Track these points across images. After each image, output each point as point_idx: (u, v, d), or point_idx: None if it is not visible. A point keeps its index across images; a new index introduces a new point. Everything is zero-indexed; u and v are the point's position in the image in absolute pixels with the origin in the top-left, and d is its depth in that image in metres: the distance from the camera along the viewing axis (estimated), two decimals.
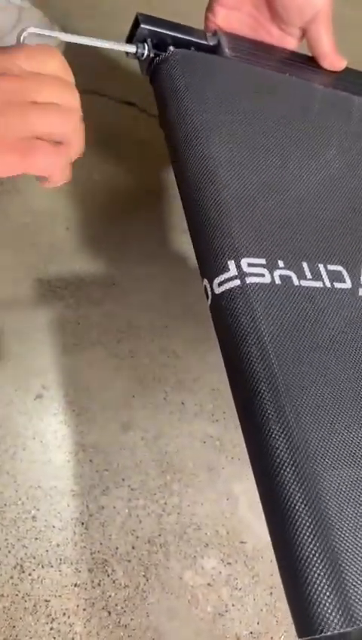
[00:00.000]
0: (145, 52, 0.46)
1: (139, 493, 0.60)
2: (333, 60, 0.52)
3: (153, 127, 0.88)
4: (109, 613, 0.54)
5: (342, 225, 0.43)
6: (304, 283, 0.38)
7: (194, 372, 0.68)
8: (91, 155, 0.82)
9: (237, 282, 0.36)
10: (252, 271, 0.37)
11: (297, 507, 0.31)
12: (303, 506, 0.31)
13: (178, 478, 0.62)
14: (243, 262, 0.37)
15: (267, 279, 0.37)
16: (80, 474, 0.59)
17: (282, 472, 0.32)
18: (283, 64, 0.52)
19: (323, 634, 0.28)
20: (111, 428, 0.62)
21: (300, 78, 0.51)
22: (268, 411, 0.33)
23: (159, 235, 0.76)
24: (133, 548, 0.57)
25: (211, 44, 0.49)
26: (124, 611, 0.54)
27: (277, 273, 0.38)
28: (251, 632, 0.56)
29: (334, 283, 0.40)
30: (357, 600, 0.29)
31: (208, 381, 0.68)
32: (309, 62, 0.53)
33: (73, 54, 0.85)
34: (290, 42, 0.53)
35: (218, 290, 0.37)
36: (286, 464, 0.32)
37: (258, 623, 0.56)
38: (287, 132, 0.46)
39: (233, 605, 0.57)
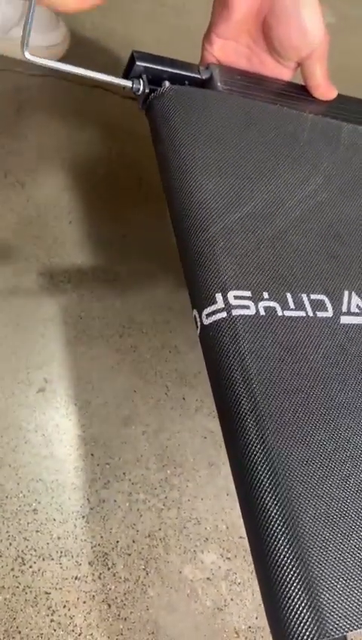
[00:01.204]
0: (141, 87, 0.48)
1: (139, 487, 0.60)
2: (325, 90, 0.54)
3: None
4: (109, 606, 0.54)
5: (324, 252, 0.45)
6: (287, 313, 0.40)
7: (195, 367, 0.69)
8: (95, 150, 0.82)
9: (224, 314, 0.38)
10: (238, 303, 0.38)
11: (274, 526, 0.32)
12: (279, 525, 0.32)
13: (178, 472, 0.62)
14: (230, 294, 0.39)
15: (252, 311, 0.39)
16: (81, 467, 0.59)
17: (264, 502, 0.33)
18: (275, 94, 0.53)
19: None
20: (112, 422, 0.62)
21: (291, 107, 0.52)
22: (252, 439, 0.35)
23: (162, 231, 0.76)
24: (133, 541, 0.57)
25: (204, 77, 0.51)
26: (124, 604, 0.54)
27: (261, 305, 0.39)
28: (249, 627, 0.56)
29: (316, 312, 0.41)
30: (329, 613, 0.30)
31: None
32: (301, 90, 0.54)
33: (77, 48, 0.86)
34: (285, 73, 0.54)
35: (206, 322, 0.39)
36: (265, 486, 0.33)
37: (256, 618, 0.57)
38: (276, 162, 0.48)
39: (232, 600, 0.57)
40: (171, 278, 0.73)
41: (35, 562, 0.54)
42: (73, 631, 0.52)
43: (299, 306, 0.41)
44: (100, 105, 0.84)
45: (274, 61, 0.53)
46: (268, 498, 0.33)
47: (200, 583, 0.57)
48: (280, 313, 0.40)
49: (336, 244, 0.46)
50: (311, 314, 0.41)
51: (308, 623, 0.30)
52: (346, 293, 0.43)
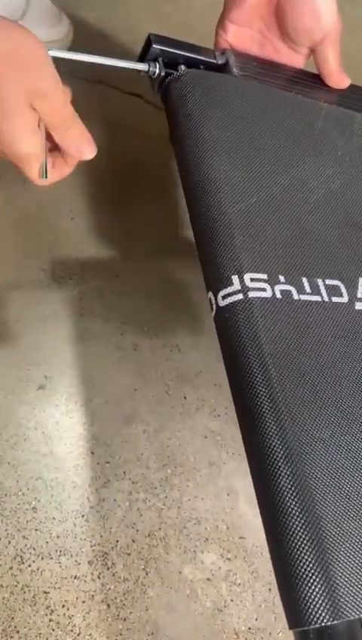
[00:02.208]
0: (157, 71, 0.49)
1: (139, 487, 0.59)
2: (338, 78, 0.54)
3: (159, 119, 0.88)
4: (108, 606, 0.53)
5: (340, 240, 0.45)
6: (303, 297, 0.40)
7: (196, 367, 0.68)
8: (97, 146, 0.81)
9: (240, 296, 0.38)
10: (254, 285, 0.39)
11: (290, 507, 0.32)
12: (296, 505, 0.32)
13: (179, 472, 0.61)
14: (246, 277, 0.39)
15: (268, 293, 0.39)
16: (81, 466, 0.59)
17: (279, 478, 0.33)
18: (289, 82, 0.53)
19: (311, 626, 0.30)
20: (113, 420, 0.62)
21: (306, 95, 0.53)
22: (267, 419, 0.35)
23: (164, 228, 0.76)
24: (133, 541, 0.57)
25: (220, 62, 0.51)
26: (124, 604, 0.54)
27: (278, 288, 0.40)
28: (249, 628, 0.56)
29: (332, 297, 0.41)
30: (344, 595, 0.30)
31: (210, 376, 0.68)
32: (314, 79, 0.55)
33: (81, 44, 0.85)
34: (297, 60, 0.54)
35: (222, 303, 0.39)
36: (280, 465, 0.33)
37: (256, 619, 0.56)
38: (291, 149, 0.48)
39: (232, 601, 0.57)
40: (173, 276, 0.72)
41: (33, 561, 0.53)
42: (72, 631, 0.52)
43: (315, 290, 0.41)
44: (102, 101, 0.83)
45: (287, 47, 0.53)
46: (283, 477, 0.33)
47: (200, 583, 0.57)
48: (296, 297, 0.40)
49: (351, 230, 0.46)
50: (326, 299, 0.41)
51: (323, 606, 0.30)
52: (361, 280, 0.43)
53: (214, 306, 0.40)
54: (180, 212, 0.77)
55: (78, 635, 0.52)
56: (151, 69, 0.49)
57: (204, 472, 0.62)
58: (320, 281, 0.42)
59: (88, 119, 0.82)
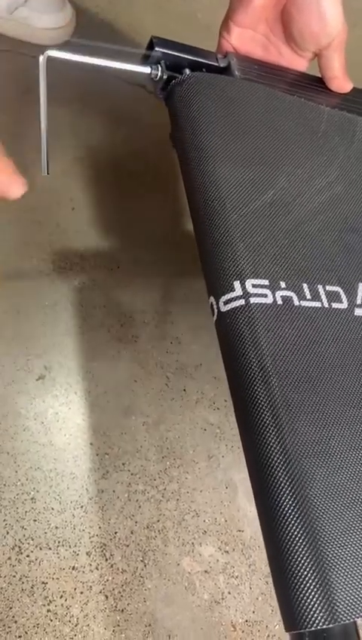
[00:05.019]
0: (159, 73, 0.48)
1: (138, 478, 0.59)
2: (341, 83, 0.54)
3: (161, 110, 0.87)
4: (106, 597, 0.53)
5: (341, 245, 0.45)
6: (304, 303, 0.40)
7: (196, 359, 0.68)
8: (99, 137, 0.80)
9: (242, 302, 0.38)
10: (256, 291, 0.39)
11: (287, 511, 0.33)
12: (293, 510, 0.33)
13: (178, 464, 0.61)
14: (248, 283, 0.39)
15: (269, 299, 0.39)
16: (80, 457, 0.58)
17: (277, 481, 0.34)
18: (291, 85, 0.53)
19: (307, 629, 0.30)
20: (112, 412, 0.62)
21: (308, 98, 0.52)
22: (267, 425, 0.35)
23: (164, 220, 0.75)
24: (131, 533, 0.57)
25: (222, 65, 0.51)
26: (122, 596, 0.54)
27: (279, 294, 0.40)
28: (246, 621, 0.56)
29: (332, 303, 0.42)
30: (340, 599, 0.31)
31: (210, 369, 0.68)
32: (317, 83, 0.55)
33: (83, 31, 0.84)
34: (301, 63, 0.54)
35: (224, 309, 0.39)
36: (278, 469, 0.34)
37: (253, 612, 0.56)
38: (294, 153, 0.48)
39: (229, 593, 0.57)
40: (174, 268, 0.72)
41: (32, 551, 0.53)
42: (70, 621, 0.52)
43: (315, 296, 0.41)
44: (105, 91, 0.83)
45: (291, 51, 0.53)
46: (281, 480, 0.33)
47: (197, 575, 0.57)
48: (296, 303, 0.40)
49: (351, 236, 0.46)
50: (326, 305, 0.41)
51: (319, 609, 0.30)
52: (360, 285, 0.44)
53: (216, 311, 0.40)
54: (182, 203, 0.77)
55: (75, 625, 0.52)
56: (153, 72, 0.49)
57: (203, 465, 0.62)
58: (320, 287, 0.42)
59: (91, 107, 0.81)
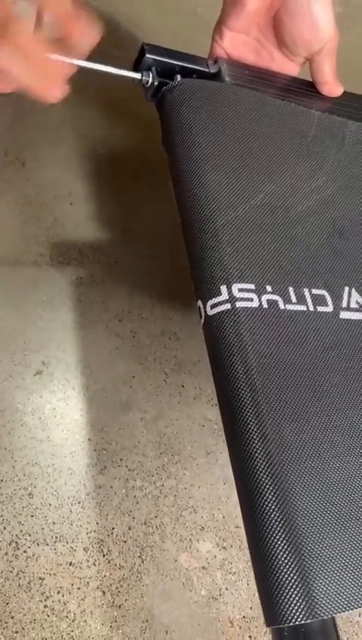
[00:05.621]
0: (150, 80, 0.49)
1: (136, 474, 0.59)
2: (332, 87, 0.54)
3: None
4: (104, 593, 0.53)
5: (328, 249, 0.46)
6: (289, 307, 0.41)
7: (194, 355, 0.68)
8: (97, 130, 0.80)
9: (228, 306, 0.39)
10: (242, 296, 0.40)
11: (268, 508, 0.34)
12: (274, 507, 0.33)
13: (176, 460, 0.61)
14: (234, 287, 0.40)
15: (255, 303, 0.40)
16: (78, 452, 0.58)
17: (258, 481, 0.34)
18: (282, 90, 0.54)
19: (287, 624, 0.31)
20: (110, 407, 0.61)
21: (299, 103, 0.53)
22: (250, 427, 0.36)
23: (163, 215, 0.75)
24: (129, 529, 0.56)
25: (212, 71, 0.52)
26: (119, 592, 0.54)
27: (264, 298, 0.40)
28: (244, 617, 0.56)
29: (317, 307, 0.42)
30: (319, 595, 0.32)
31: (208, 365, 0.67)
32: (307, 86, 0.55)
33: None
34: (292, 68, 0.55)
35: (210, 312, 0.40)
36: (261, 471, 0.34)
37: (251, 608, 0.56)
38: (283, 158, 0.49)
39: (227, 589, 0.57)
40: (172, 263, 0.72)
41: (29, 547, 0.53)
42: (67, 617, 0.51)
43: (301, 300, 0.42)
44: (103, 85, 0.82)
45: (283, 55, 0.53)
46: (263, 480, 0.34)
47: (195, 571, 0.56)
48: (282, 307, 0.40)
49: (339, 240, 0.47)
50: (311, 308, 0.42)
51: (298, 605, 0.31)
52: (346, 289, 0.44)
53: (203, 315, 0.40)
54: None
55: (72, 621, 0.51)
56: (144, 78, 0.49)
57: (201, 461, 0.62)
58: (306, 291, 0.42)
59: (89, 101, 0.81)
